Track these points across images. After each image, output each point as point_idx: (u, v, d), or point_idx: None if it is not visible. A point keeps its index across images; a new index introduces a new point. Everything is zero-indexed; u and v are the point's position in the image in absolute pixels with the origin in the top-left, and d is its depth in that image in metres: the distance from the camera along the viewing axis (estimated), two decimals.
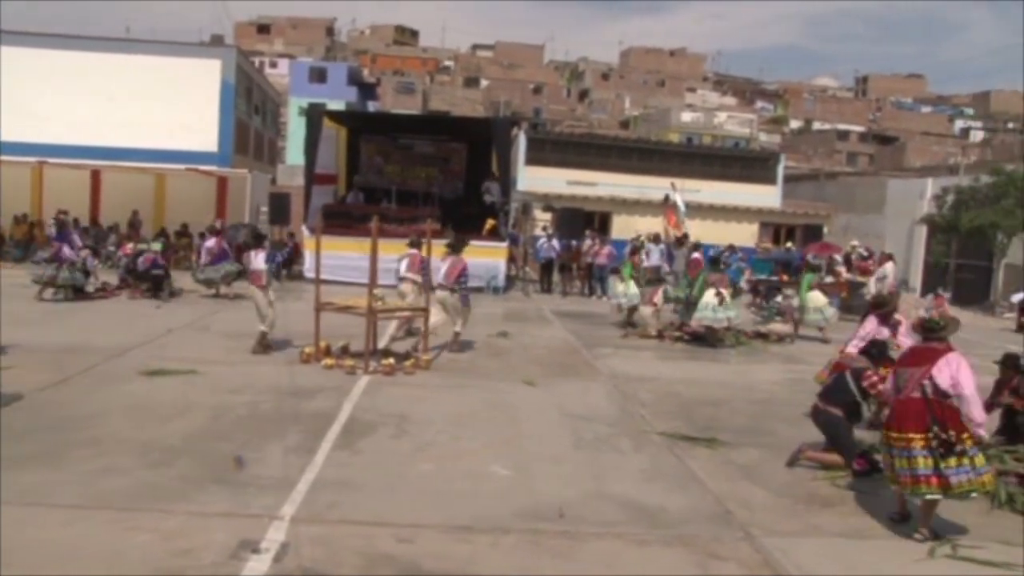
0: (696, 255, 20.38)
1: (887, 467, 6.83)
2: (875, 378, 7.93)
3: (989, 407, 7.88)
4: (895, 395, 6.87)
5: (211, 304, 17.75)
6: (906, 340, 9.59)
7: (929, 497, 6.49)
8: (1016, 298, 24.04)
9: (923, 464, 6.42)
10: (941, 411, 6.51)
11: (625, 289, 17.17)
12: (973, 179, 28.92)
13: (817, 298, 17.17)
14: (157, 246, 20.49)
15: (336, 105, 43.39)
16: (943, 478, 6.39)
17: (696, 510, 6.85)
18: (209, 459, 7.31)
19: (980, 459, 6.55)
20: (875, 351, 8.44)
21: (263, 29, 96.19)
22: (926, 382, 6.60)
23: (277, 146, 52.36)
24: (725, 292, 15.86)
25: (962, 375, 6.56)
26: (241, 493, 6.52)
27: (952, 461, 6.41)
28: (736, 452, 8.61)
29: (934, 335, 6.90)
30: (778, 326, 17.29)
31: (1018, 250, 27.02)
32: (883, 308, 10.11)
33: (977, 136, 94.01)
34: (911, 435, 6.49)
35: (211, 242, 19.66)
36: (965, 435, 6.49)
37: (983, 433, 6.85)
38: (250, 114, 38.52)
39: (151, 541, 5.55)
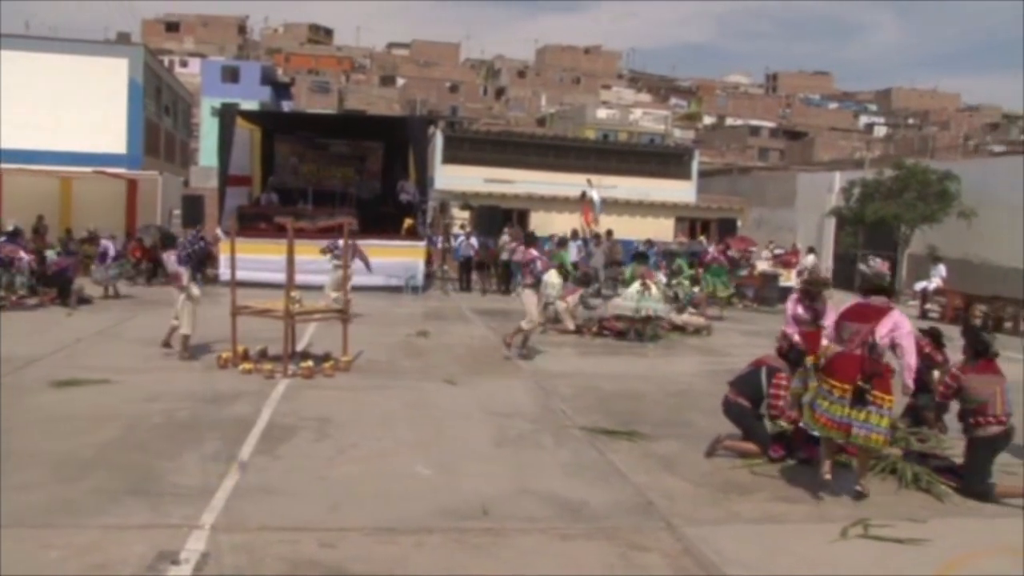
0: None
1: (810, 408, 7.29)
2: (783, 382, 8.21)
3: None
4: (837, 346, 7.35)
5: (123, 310, 17.31)
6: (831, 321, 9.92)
7: (839, 441, 7.14)
8: (919, 286, 24.88)
9: (842, 412, 7.02)
10: (872, 368, 7.04)
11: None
12: (877, 173, 29.79)
13: (633, 291, 16.49)
14: (52, 252, 20.01)
15: (250, 105, 42.65)
16: (848, 425, 6.99)
17: (618, 502, 6.94)
18: (124, 470, 7.15)
19: (884, 421, 7.08)
20: (794, 356, 8.67)
21: (172, 27, 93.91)
22: (870, 339, 7.11)
23: (189, 147, 51.32)
24: (652, 283, 16.10)
25: (903, 329, 7.17)
26: (158, 504, 6.38)
27: (861, 414, 6.97)
28: (656, 444, 8.74)
29: (878, 293, 7.42)
30: (694, 318, 17.58)
31: (920, 241, 27.95)
32: (813, 287, 10.37)
33: (880, 131, 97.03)
34: (845, 384, 7.05)
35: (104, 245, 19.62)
36: (888, 397, 7.02)
37: (910, 383, 7.50)
38: (160, 115, 37.67)
39: (65, 557, 5.40)
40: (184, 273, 12.49)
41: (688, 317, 17.48)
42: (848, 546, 6.25)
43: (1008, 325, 21.11)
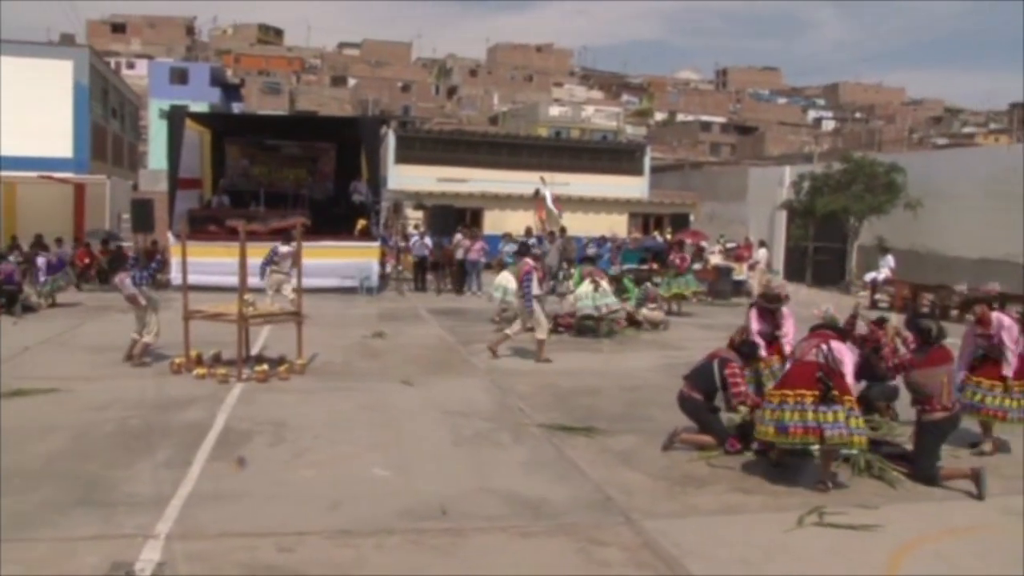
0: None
1: (774, 427, 7.39)
2: (736, 369, 8.34)
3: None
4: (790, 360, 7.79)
5: (71, 318, 16.97)
6: (791, 333, 10.05)
7: (813, 448, 7.39)
8: (869, 277, 25.27)
9: (811, 417, 7.23)
10: (830, 372, 7.35)
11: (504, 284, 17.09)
12: (826, 166, 30.17)
13: (584, 290, 16.43)
14: None
15: (199, 107, 42.05)
16: (820, 429, 7.17)
17: (577, 499, 6.97)
18: (76, 481, 7.02)
19: (857, 422, 7.33)
20: (746, 349, 8.79)
21: (118, 28, 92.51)
22: (823, 346, 7.51)
23: (138, 150, 50.51)
24: (601, 281, 16.20)
25: (846, 356, 7.59)
26: (112, 514, 6.28)
27: (830, 416, 7.19)
28: (613, 439, 8.79)
29: (827, 328, 8.00)
30: (653, 313, 17.68)
31: (868, 232, 28.39)
32: (769, 304, 10.35)
33: (829, 126, 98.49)
34: (803, 391, 7.30)
35: (41, 259, 19.30)
36: (848, 397, 7.28)
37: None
38: (107, 117, 37.02)
39: (16, 573, 5.30)
40: (139, 295, 12.24)
41: (647, 312, 17.58)
42: (804, 534, 6.34)
43: (954, 313, 21.50)
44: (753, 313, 10.29)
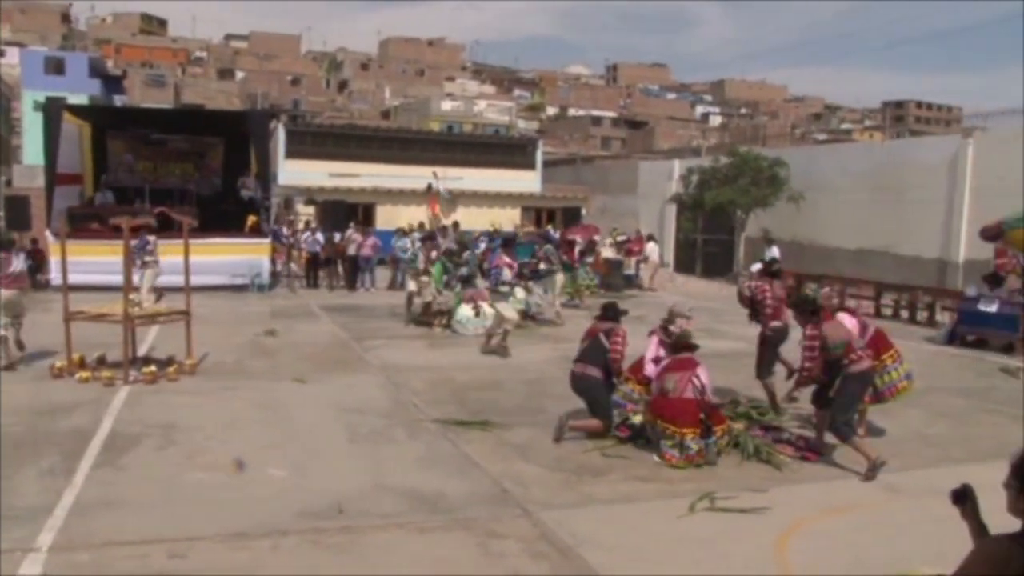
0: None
1: (672, 457, 7.84)
2: (619, 336, 8.71)
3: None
4: (662, 395, 8.11)
5: None
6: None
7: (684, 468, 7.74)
8: (756, 268, 25.98)
9: (696, 448, 7.80)
10: (708, 408, 8.04)
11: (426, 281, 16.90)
12: (713, 160, 30.89)
13: (464, 314, 16.19)
14: None
15: (78, 99, 40.52)
16: (702, 452, 7.80)
17: (474, 492, 6.99)
18: None
19: (721, 444, 8.05)
20: (611, 313, 8.99)
21: None
22: (696, 382, 8.01)
23: (11, 144, 48.39)
24: (483, 304, 15.93)
25: (708, 377, 8.22)
26: None
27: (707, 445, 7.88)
28: (509, 432, 8.85)
29: (689, 349, 8.41)
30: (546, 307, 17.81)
31: (755, 224, 29.23)
32: (678, 352, 9.81)
33: (716, 121, 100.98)
34: (685, 430, 7.79)
35: None
36: (721, 427, 8.08)
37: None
38: None
39: None
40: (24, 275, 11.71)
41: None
42: (696, 519, 6.51)
43: (835, 302, 22.30)
44: (655, 340, 9.62)
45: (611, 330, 8.73)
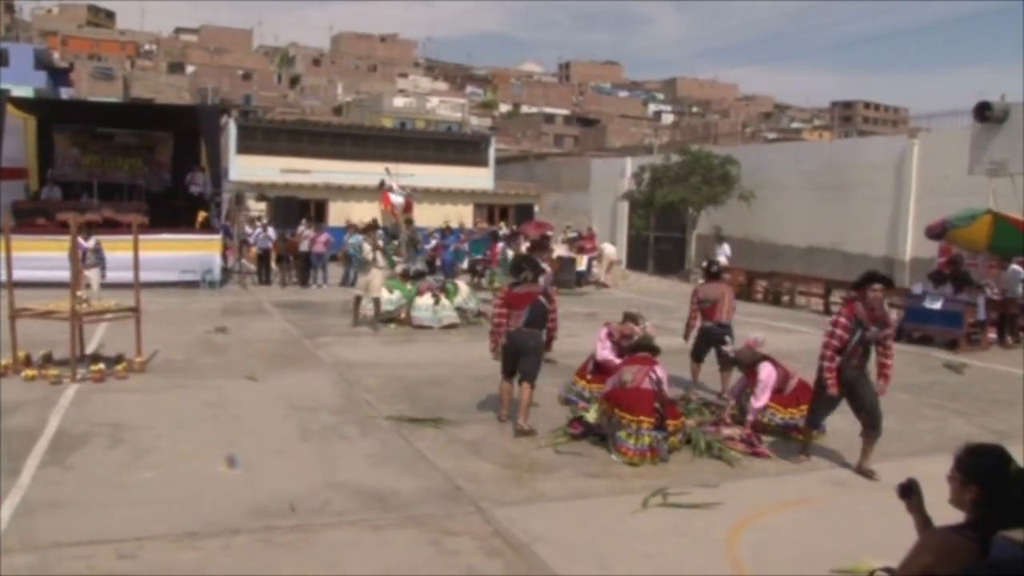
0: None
1: (625, 449, 7.89)
2: (555, 298, 9.48)
3: None
4: (620, 386, 8.22)
5: None
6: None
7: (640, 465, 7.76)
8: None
9: (648, 440, 7.83)
10: (664, 400, 8.17)
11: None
12: (665, 158, 31.16)
13: (423, 302, 16.50)
14: None
15: (22, 91, 39.43)
16: (655, 451, 7.83)
17: (427, 489, 6.98)
18: None
19: (673, 441, 8.13)
20: (525, 264, 9.34)
21: None
22: (652, 375, 8.20)
23: None
24: (442, 296, 16.33)
25: (666, 375, 8.50)
26: None
27: (661, 438, 7.94)
28: (462, 429, 8.85)
29: (648, 351, 8.70)
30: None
31: (706, 221, 29.53)
32: (638, 351, 9.28)
33: (668, 119, 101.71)
34: (642, 417, 7.86)
35: None
36: (675, 422, 8.20)
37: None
38: None
39: None
40: None
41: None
42: (649, 515, 6.55)
43: (785, 299, 22.63)
44: (604, 339, 10.14)
45: (545, 291, 9.25)
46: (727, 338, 10.57)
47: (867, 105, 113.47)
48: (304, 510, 6.39)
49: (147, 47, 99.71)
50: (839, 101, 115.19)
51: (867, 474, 7.63)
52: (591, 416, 8.56)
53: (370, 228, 16.72)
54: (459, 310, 16.59)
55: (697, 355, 11.04)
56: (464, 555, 5.72)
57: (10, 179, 22.67)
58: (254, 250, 24.41)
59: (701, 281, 12.34)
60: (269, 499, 6.58)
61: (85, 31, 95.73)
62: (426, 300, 16.24)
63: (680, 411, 8.68)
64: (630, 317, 10.30)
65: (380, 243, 16.29)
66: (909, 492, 3.61)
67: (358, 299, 16.30)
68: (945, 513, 3.36)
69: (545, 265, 15.53)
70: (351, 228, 23.84)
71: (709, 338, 10.80)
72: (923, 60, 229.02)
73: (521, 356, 8.90)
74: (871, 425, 7.70)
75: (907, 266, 24.07)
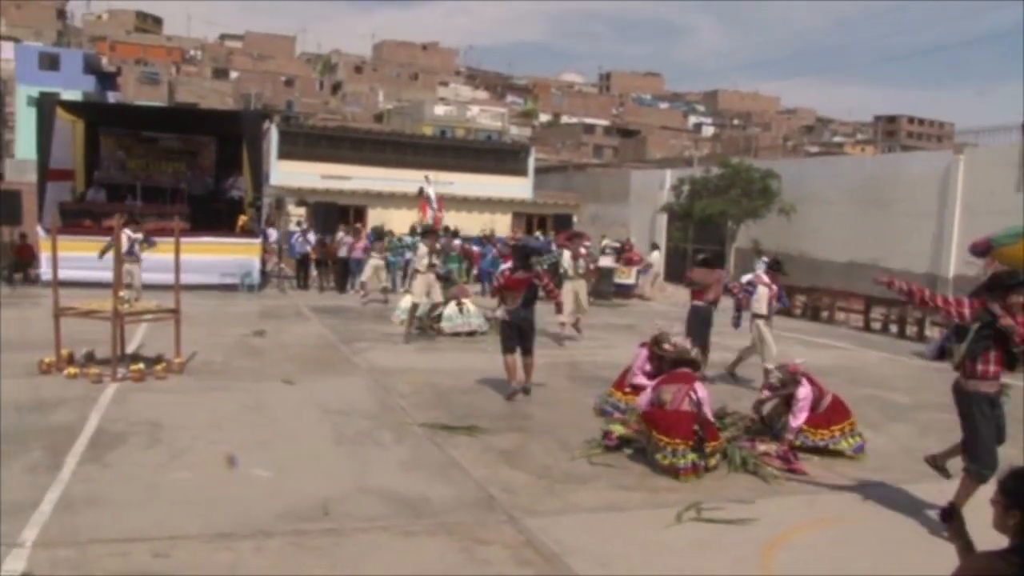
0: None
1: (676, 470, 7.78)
2: (546, 278, 11.38)
3: None
4: (658, 406, 8.15)
5: None
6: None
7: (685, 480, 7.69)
8: (745, 279, 26.02)
9: (685, 460, 7.73)
10: (702, 422, 8.01)
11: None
12: (705, 171, 30.95)
13: (449, 311, 16.40)
14: None
15: (72, 95, 40.41)
16: (697, 467, 7.74)
17: (459, 497, 6.97)
18: None
19: (711, 461, 7.98)
20: (523, 257, 11.24)
21: None
22: (693, 395, 8.10)
23: (4, 138, 48.17)
24: (466, 301, 16.40)
25: (707, 395, 8.34)
26: None
27: (701, 455, 7.87)
28: (496, 438, 8.83)
29: (689, 365, 8.74)
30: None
31: (745, 235, 29.30)
32: (676, 366, 9.20)
33: (708, 131, 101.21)
34: (678, 441, 7.76)
35: None
36: (714, 444, 8.01)
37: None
38: None
39: None
40: None
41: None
42: (682, 529, 6.49)
43: (824, 314, 22.39)
44: (644, 354, 9.99)
45: (538, 275, 11.04)
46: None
47: (911, 120, 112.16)
48: (336, 514, 6.41)
49: (192, 53, 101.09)
50: (882, 115, 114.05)
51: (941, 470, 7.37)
52: (619, 429, 8.51)
53: (430, 232, 16.74)
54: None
55: (701, 340, 11.68)
56: (495, 564, 5.70)
57: (58, 180, 23.06)
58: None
59: (696, 267, 14.08)
60: (302, 502, 6.61)
61: (133, 36, 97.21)
62: (451, 309, 16.24)
63: (718, 431, 8.45)
64: (658, 341, 9.84)
65: (439, 246, 16.37)
66: (951, 516, 3.55)
67: (415, 306, 15.50)
68: (988, 537, 3.29)
69: (579, 252, 15.86)
70: (386, 233, 24.00)
71: (701, 315, 12.52)
72: (969, 74, 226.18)
73: (521, 333, 10.71)
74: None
75: (950, 283, 23.69)
